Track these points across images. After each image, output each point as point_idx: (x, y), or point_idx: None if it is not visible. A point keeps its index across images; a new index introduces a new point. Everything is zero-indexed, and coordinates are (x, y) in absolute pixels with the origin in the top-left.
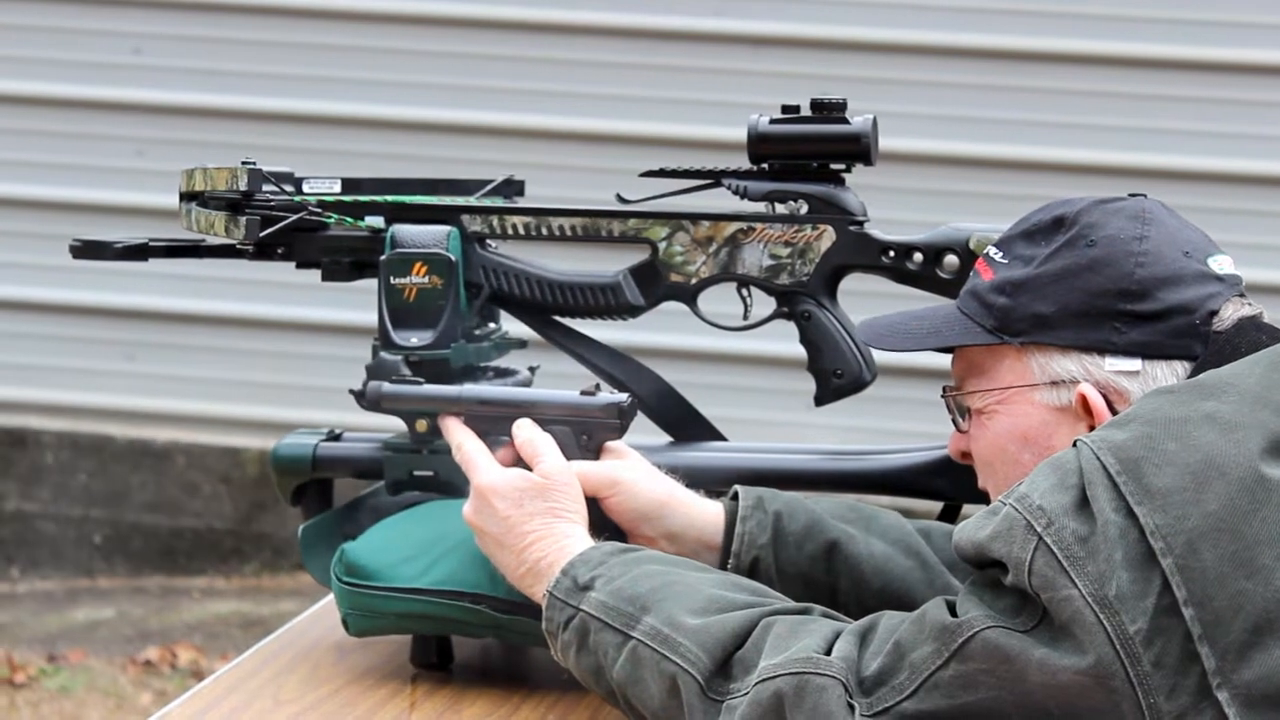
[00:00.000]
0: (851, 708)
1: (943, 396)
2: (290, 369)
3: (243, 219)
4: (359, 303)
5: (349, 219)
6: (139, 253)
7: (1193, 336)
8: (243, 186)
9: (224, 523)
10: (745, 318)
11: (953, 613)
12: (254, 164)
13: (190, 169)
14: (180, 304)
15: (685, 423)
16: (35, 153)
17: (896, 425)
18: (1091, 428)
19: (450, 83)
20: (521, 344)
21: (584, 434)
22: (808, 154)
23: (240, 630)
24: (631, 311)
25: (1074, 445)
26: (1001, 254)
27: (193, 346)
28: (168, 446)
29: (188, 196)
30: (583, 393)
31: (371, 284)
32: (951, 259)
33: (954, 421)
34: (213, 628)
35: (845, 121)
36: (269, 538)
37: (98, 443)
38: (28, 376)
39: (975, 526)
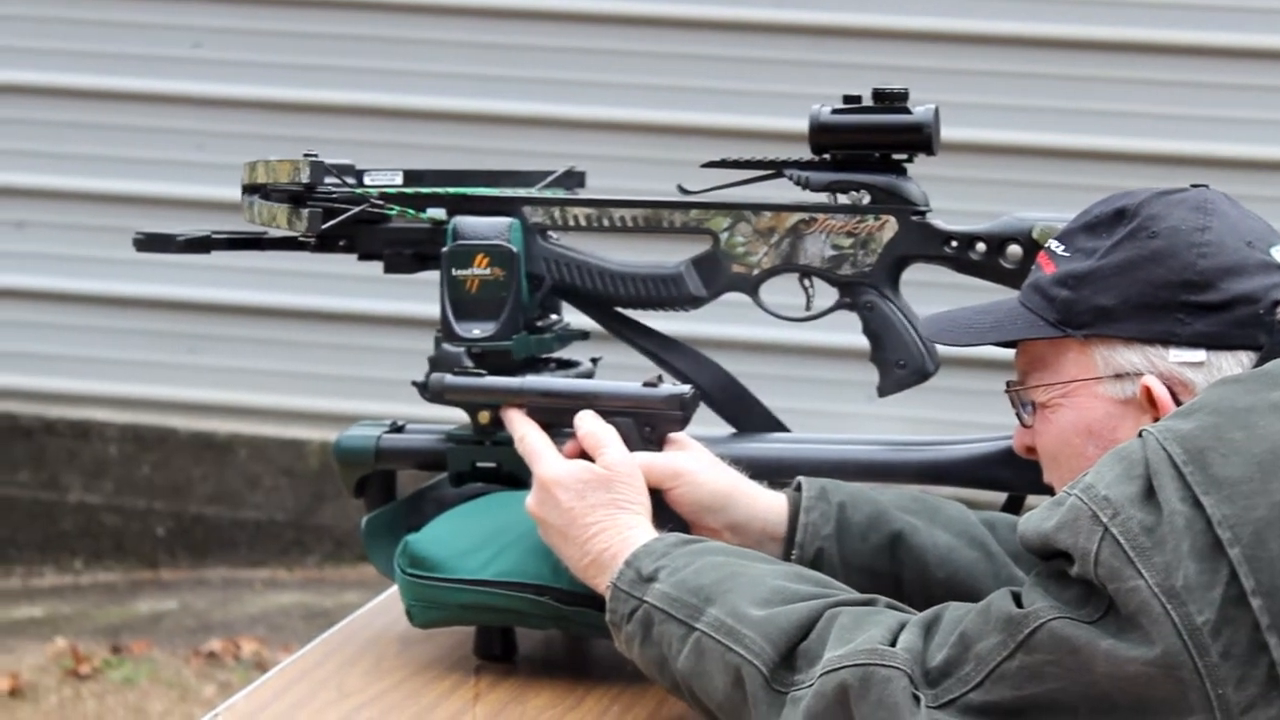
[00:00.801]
0: (917, 699)
1: (1006, 391)
2: (351, 361)
3: (305, 211)
4: (419, 295)
5: (411, 211)
6: (202, 245)
7: (1257, 326)
8: (305, 179)
9: (286, 515)
10: (808, 308)
11: (1019, 604)
12: (316, 156)
13: (253, 162)
14: (242, 296)
15: (747, 414)
16: (95, 146)
17: (957, 416)
18: (1156, 420)
19: (511, 75)
20: (583, 335)
21: (646, 425)
22: (870, 144)
23: (303, 622)
24: (693, 302)
25: (1139, 435)
26: (1063, 247)
27: (255, 339)
28: (230, 439)
29: (250, 189)
30: (645, 384)
31: (433, 276)
32: (1015, 249)
33: (1018, 416)
34: (275, 619)
35: (907, 111)
36: (330, 529)
37: (161, 435)
38: (91, 369)
39: (1040, 517)
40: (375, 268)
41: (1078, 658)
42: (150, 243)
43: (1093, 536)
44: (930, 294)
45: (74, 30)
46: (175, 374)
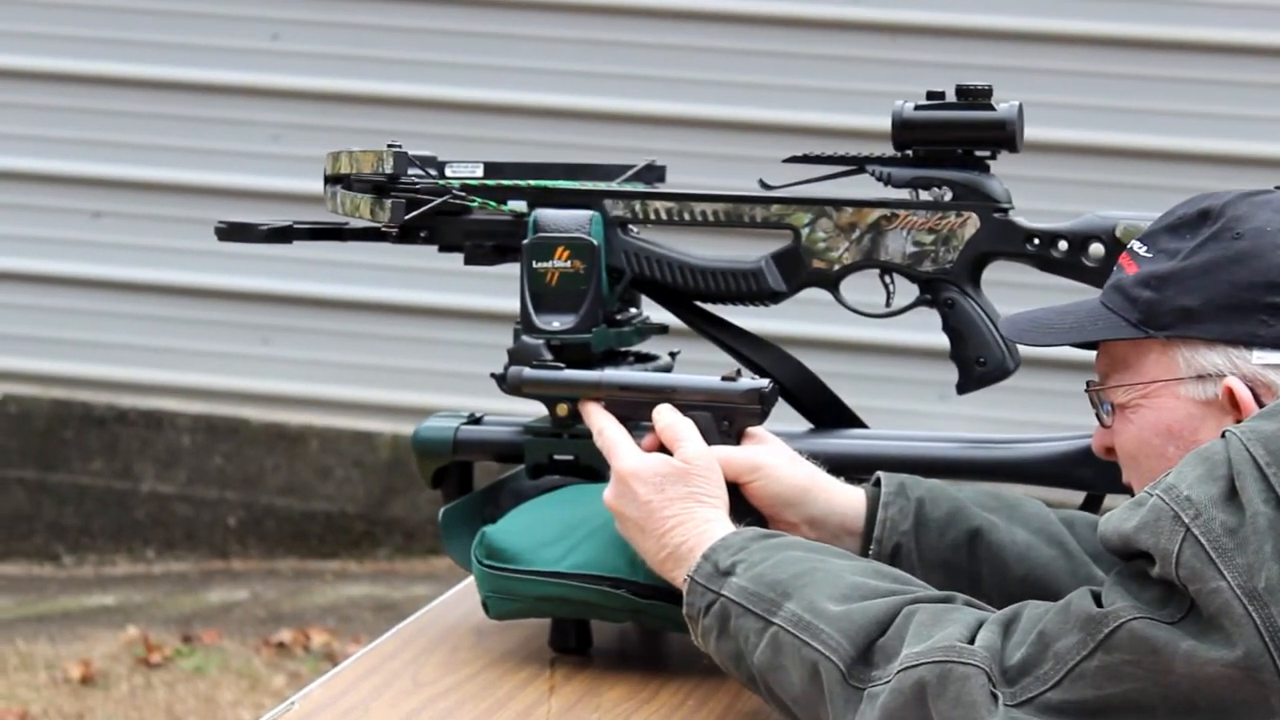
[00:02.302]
0: (995, 697)
1: (1087, 392)
2: (422, 354)
3: (388, 202)
4: (490, 288)
5: (492, 203)
6: (283, 235)
7: None
8: (388, 169)
9: (356, 507)
10: (888, 305)
11: (1098, 603)
12: (400, 147)
13: (336, 152)
14: (316, 288)
15: (826, 409)
16: (171, 137)
17: (1030, 416)
18: (1238, 421)
19: (591, 69)
20: (663, 329)
21: (725, 419)
22: (952, 140)
23: (372, 614)
24: (773, 297)
25: (1222, 436)
26: (1146, 248)
27: (327, 331)
28: (302, 430)
29: (333, 179)
30: (724, 378)
31: (503, 270)
32: (1097, 247)
33: (1098, 417)
34: (345, 611)
35: (991, 108)
36: (401, 522)
37: (233, 426)
38: (164, 359)
39: (1121, 517)
40: (448, 261)
41: (1157, 659)
42: (232, 232)
43: (1174, 537)
44: (1009, 294)
45: (152, 21)
46: (248, 365)
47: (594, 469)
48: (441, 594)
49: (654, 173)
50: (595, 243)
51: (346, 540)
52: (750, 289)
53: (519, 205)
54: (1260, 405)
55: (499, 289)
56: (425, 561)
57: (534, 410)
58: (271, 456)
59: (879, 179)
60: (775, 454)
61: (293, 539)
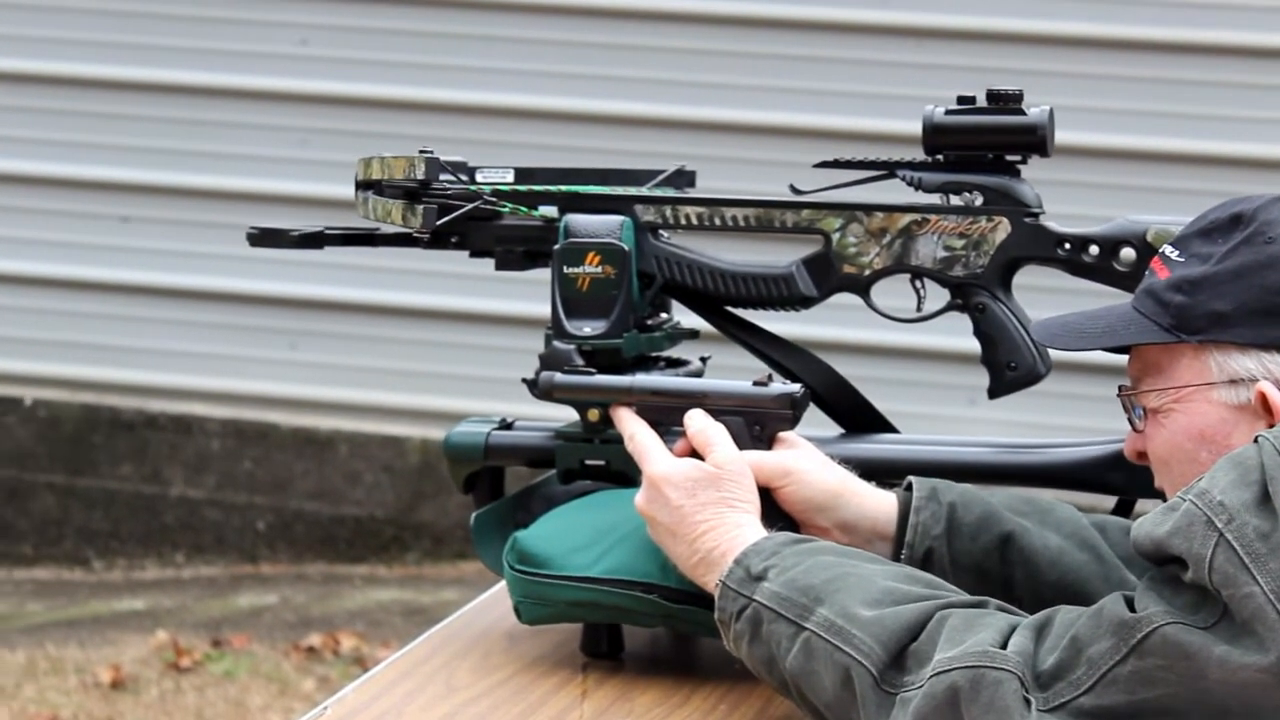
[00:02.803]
0: (1028, 702)
1: (1119, 396)
2: (451, 359)
3: (420, 207)
4: (521, 293)
5: (523, 208)
6: (315, 240)
7: None
8: (420, 175)
9: (385, 511)
10: (919, 309)
11: (1131, 608)
12: (431, 153)
13: (368, 158)
14: (344, 293)
15: (857, 414)
16: (199, 142)
17: (1062, 421)
18: (1271, 425)
19: (620, 74)
20: (693, 334)
21: (756, 424)
22: (983, 145)
23: (402, 618)
24: (804, 303)
25: (1255, 441)
26: (1178, 252)
27: (356, 335)
28: (331, 435)
29: (364, 185)
30: (755, 383)
31: (533, 275)
32: (1128, 252)
33: (1130, 421)
34: (374, 615)
35: (1022, 112)
36: (430, 527)
37: (262, 430)
38: (194, 364)
39: (1154, 522)
40: (478, 267)
41: (1191, 664)
42: (264, 237)
43: (1207, 542)
44: (1042, 299)
45: (180, 27)
46: (277, 370)
47: (625, 474)
48: (470, 599)
49: (684, 178)
50: (626, 248)
51: (375, 545)
52: (781, 294)
53: (550, 210)
54: None
55: (529, 294)
56: (454, 566)
57: (565, 415)
58: (300, 461)
59: (910, 184)
60: (807, 459)
61: (322, 544)
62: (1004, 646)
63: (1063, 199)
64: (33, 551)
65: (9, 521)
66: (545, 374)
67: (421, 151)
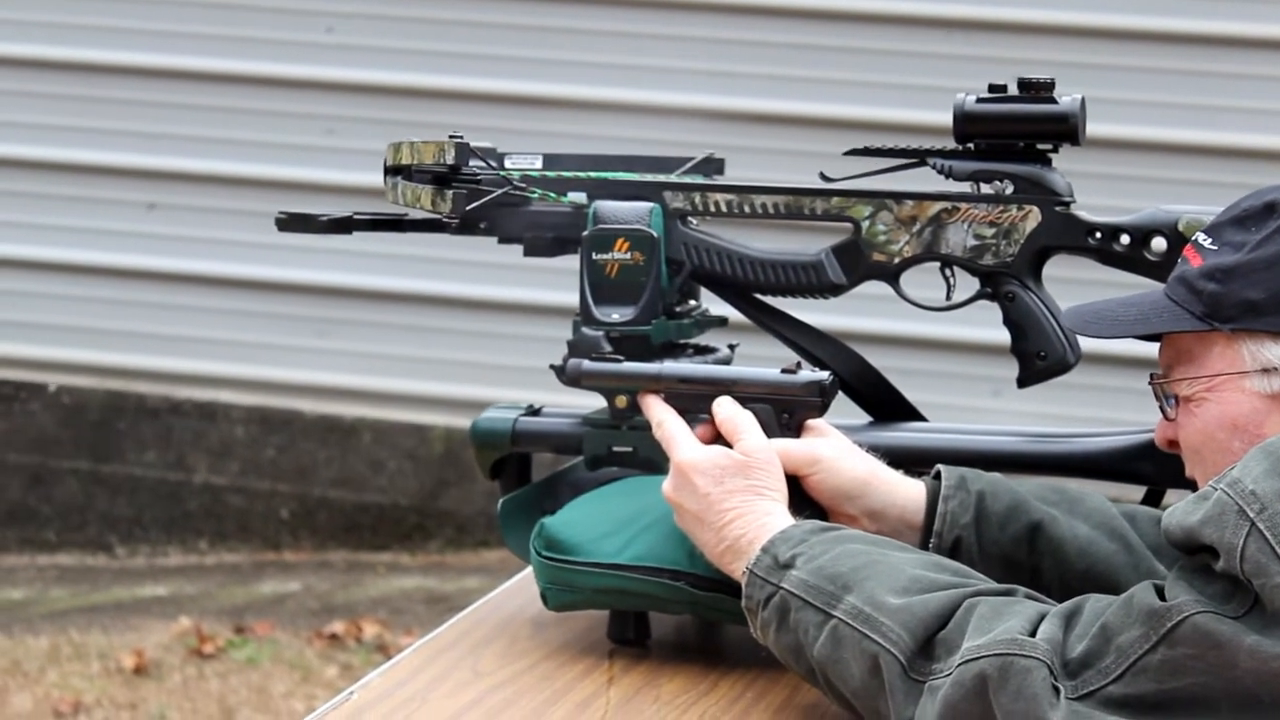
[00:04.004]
0: (1056, 690)
1: (1150, 384)
2: (476, 347)
3: (449, 193)
4: (547, 281)
5: (552, 194)
6: (343, 225)
7: None
8: (450, 160)
9: (409, 499)
10: (948, 298)
11: (1161, 597)
12: (461, 138)
13: (397, 143)
14: (369, 281)
15: (886, 403)
16: (225, 129)
17: (1088, 412)
18: None
19: (648, 64)
20: (722, 321)
21: (785, 412)
22: (1014, 133)
23: (424, 606)
24: (833, 290)
25: None
26: (1211, 240)
27: (381, 324)
28: (355, 423)
29: (393, 170)
30: (784, 371)
31: (560, 263)
32: (1159, 241)
33: (1161, 409)
34: (397, 603)
35: (1053, 101)
36: (453, 515)
37: (286, 418)
38: (218, 351)
39: (1185, 511)
40: (504, 255)
41: (1221, 653)
42: (293, 222)
43: (1239, 531)
44: (1072, 289)
45: (207, 14)
46: (302, 357)
47: (653, 461)
48: (493, 586)
49: (712, 165)
50: (655, 235)
51: (398, 533)
52: (810, 282)
53: (579, 197)
54: None
55: (556, 283)
56: (476, 554)
57: (592, 402)
58: (324, 449)
59: (940, 172)
60: (835, 447)
61: (345, 531)
62: (1033, 635)
63: (1094, 190)
64: (56, 537)
65: (33, 507)
66: (573, 360)
67: (451, 137)
